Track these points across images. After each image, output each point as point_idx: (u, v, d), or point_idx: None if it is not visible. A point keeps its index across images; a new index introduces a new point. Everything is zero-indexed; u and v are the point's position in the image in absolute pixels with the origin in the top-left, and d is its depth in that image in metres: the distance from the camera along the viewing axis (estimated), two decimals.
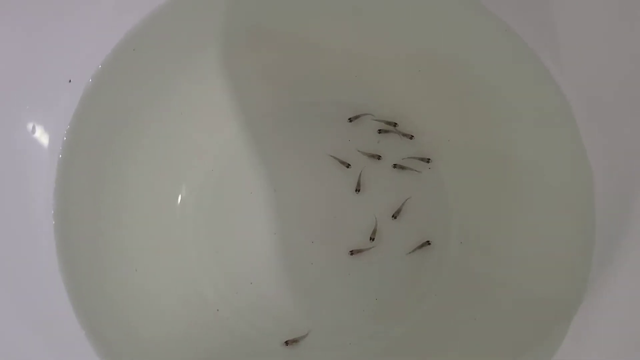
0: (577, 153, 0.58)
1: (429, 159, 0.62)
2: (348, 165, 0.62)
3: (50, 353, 0.53)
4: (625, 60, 0.54)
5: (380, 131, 0.63)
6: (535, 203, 0.60)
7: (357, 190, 0.62)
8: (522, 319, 0.57)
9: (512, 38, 0.61)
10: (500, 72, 0.62)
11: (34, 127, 0.56)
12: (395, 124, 0.63)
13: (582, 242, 0.57)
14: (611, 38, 0.54)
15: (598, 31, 0.55)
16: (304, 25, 0.64)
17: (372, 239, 0.61)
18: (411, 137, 0.62)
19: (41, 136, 0.57)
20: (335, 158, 0.63)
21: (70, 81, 0.58)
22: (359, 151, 0.63)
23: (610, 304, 0.53)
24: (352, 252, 0.61)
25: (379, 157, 0.63)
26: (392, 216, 0.61)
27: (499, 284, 0.58)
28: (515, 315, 0.57)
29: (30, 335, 0.52)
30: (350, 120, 0.63)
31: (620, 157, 0.55)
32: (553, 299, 0.57)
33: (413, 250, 0.60)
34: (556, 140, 0.60)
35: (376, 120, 0.63)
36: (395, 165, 0.62)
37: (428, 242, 0.60)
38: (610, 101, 0.56)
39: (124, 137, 0.61)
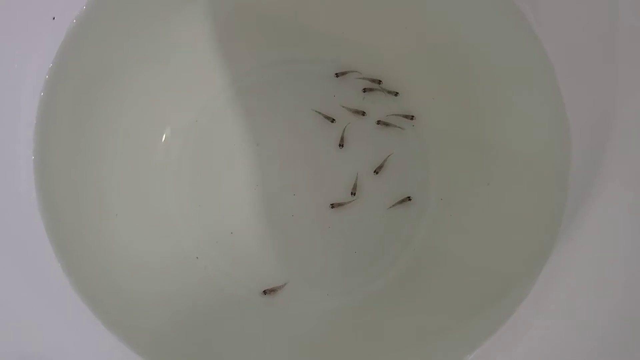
0: (557, 114, 0.59)
1: (412, 116, 0.62)
2: (332, 120, 0.62)
3: (34, 295, 0.53)
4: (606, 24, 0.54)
5: (365, 90, 0.63)
6: (514, 162, 0.60)
7: (341, 145, 0.62)
8: (493, 273, 0.58)
9: None
10: (486, 32, 0.62)
11: (15, 64, 0.55)
12: (379, 82, 0.63)
13: (556, 200, 0.58)
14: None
15: None
16: None
17: (353, 193, 0.61)
18: (396, 93, 0.63)
19: (22, 73, 0.56)
20: (319, 113, 0.63)
21: (54, 19, 0.57)
22: (343, 107, 0.63)
23: (576, 256, 0.55)
24: (332, 206, 0.61)
25: (363, 113, 0.63)
26: (374, 171, 0.62)
27: (475, 239, 0.59)
28: (486, 269, 0.58)
29: (11, 277, 0.52)
30: (337, 75, 0.63)
31: (598, 117, 0.56)
32: (524, 253, 0.58)
33: (393, 205, 0.61)
34: (537, 100, 0.60)
35: (361, 78, 0.63)
36: (379, 122, 0.62)
37: (409, 198, 0.61)
38: (591, 59, 0.56)
39: (107, 80, 0.60)
